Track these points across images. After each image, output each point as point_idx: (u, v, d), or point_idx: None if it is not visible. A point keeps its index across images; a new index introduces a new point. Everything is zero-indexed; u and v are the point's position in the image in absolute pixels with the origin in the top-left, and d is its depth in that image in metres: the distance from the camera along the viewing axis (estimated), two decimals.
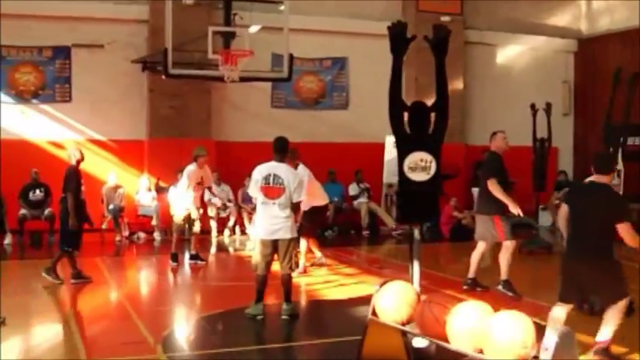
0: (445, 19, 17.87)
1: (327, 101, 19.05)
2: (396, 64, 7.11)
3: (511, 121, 19.23)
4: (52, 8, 15.98)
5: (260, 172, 8.81)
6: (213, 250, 15.50)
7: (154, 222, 16.21)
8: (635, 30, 19.58)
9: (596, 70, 21.02)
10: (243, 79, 14.02)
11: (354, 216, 17.98)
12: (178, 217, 12.80)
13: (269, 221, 8.71)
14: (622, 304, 6.50)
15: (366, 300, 9.97)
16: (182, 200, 12.71)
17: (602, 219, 6.54)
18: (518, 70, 21.01)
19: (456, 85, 18.90)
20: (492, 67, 20.59)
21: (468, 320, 4.43)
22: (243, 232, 16.93)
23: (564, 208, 6.93)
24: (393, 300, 5.27)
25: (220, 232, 16.78)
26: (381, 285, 5.46)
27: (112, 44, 16.72)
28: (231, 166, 17.14)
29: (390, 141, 18.55)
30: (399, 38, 7.07)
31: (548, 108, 15.21)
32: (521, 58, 21.15)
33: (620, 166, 11.88)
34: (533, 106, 15.37)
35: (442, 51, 7.27)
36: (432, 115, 7.44)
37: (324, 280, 11.56)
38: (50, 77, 16.49)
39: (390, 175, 18.58)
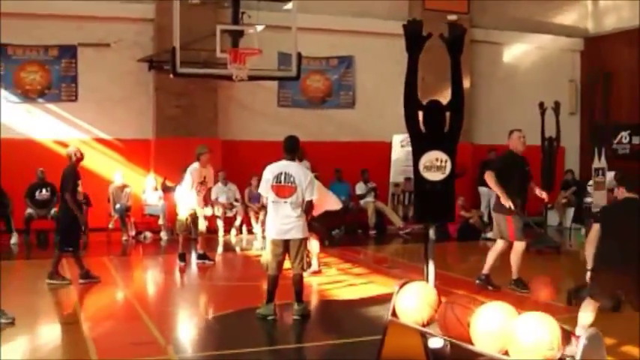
0: (452, 17, 17.77)
1: (333, 100, 19.00)
2: (411, 63, 7.04)
3: (518, 120, 19.03)
4: (58, 7, 15.94)
5: (271, 171, 8.75)
6: (220, 249, 15.44)
7: (160, 221, 16.15)
8: None
9: (602, 69, 20.96)
10: (251, 78, 13.95)
11: (361, 215, 17.91)
12: (182, 215, 12.74)
13: (280, 221, 8.64)
14: None
15: (377, 300, 10.04)
16: (186, 199, 12.64)
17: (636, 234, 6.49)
18: (525, 68, 20.97)
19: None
20: (499, 66, 20.55)
21: (493, 322, 4.37)
22: (249, 232, 16.91)
23: (595, 229, 6.79)
24: (415, 301, 5.20)
25: (227, 231, 16.73)
26: (401, 286, 5.39)
27: (118, 43, 16.68)
28: (238, 165, 17.10)
29: (397, 140, 18.55)
30: (414, 36, 7.00)
31: (556, 107, 15.16)
32: (528, 57, 21.11)
33: (603, 164, 11.82)
34: (541, 105, 15.31)
35: (457, 50, 7.22)
36: (447, 114, 7.38)
37: (334, 280, 11.48)
38: (56, 76, 16.45)
39: (396, 174, 18.59)
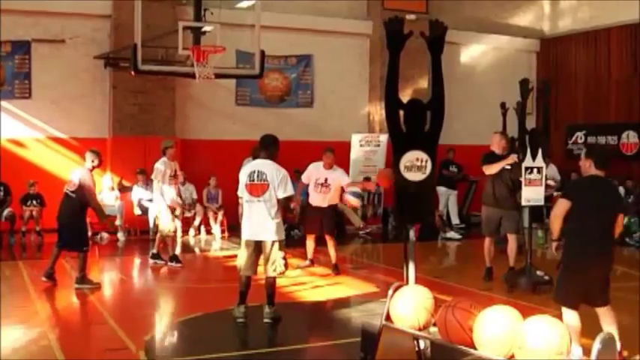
0: (410, 17, 17.76)
1: (292, 99, 18.86)
2: (392, 61, 6.95)
3: (476, 120, 19.38)
4: (11, 2, 15.43)
5: (245, 171, 8.62)
6: (178, 250, 15.15)
7: (117, 222, 15.81)
8: (597, 30, 19.82)
9: (558, 70, 21.19)
10: (217, 76, 13.72)
11: None
12: (167, 225, 12.42)
13: (253, 221, 8.47)
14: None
15: (348, 302, 10.00)
16: (167, 197, 12.32)
17: (608, 212, 6.56)
18: (482, 69, 21.11)
19: (421, 84, 18.88)
20: (456, 66, 20.58)
21: (498, 326, 4.27)
22: (208, 232, 16.66)
23: (563, 204, 6.68)
24: (411, 305, 5.06)
25: (185, 231, 16.43)
26: (395, 289, 5.26)
27: (73, 39, 16.32)
28: (196, 164, 16.87)
29: (355, 140, 18.42)
30: (396, 35, 6.90)
31: (518, 107, 15.16)
32: (485, 57, 21.25)
33: (539, 163, 12.16)
34: (503, 105, 15.32)
35: (438, 49, 7.13)
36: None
37: (299, 282, 11.32)
38: (9, 73, 16.00)
39: (355, 174, 18.42)
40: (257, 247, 8.50)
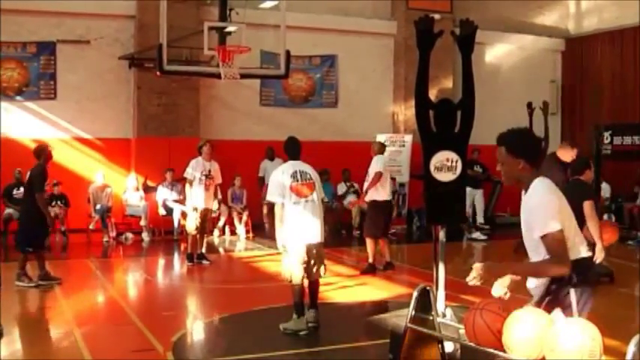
0: (435, 17, 17.63)
1: (316, 99, 18.82)
2: (422, 61, 6.88)
3: (501, 121, 19.04)
4: (37, 3, 15.57)
5: (284, 171, 8.19)
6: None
7: (142, 222, 15.82)
8: (623, 30, 19.65)
9: (583, 70, 21.03)
10: (242, 77, 13.68)
11: (345, 215, 17.72)
12: (190, 225, 12.48)
13: (304, 223, 8.09)
14: None
15: (374, 303, 9.90)
16: (194, 197, 12.37)
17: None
18: (507, 68, 20.97)
19: (445, 84, 18.76)
20: (481, 66, 20.39)
21: (529, 328, 4.18)
22: (232, 233, 16.64)
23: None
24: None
25: (210, 232, 16.42)
26: (420, 292, 5.17)
27: (98, 40, 16.35)
28: (220, 165, 16.73)
29: (380, 139, 18.30)
30: (426, 33, 6.83)
31: (545, 107, 15.07)
32: (510, 57, 21.09)
33: None
34: (529, 105, 15.21)
35: (468, 47, 7.06)
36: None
37: (326, 282, 11.16)
38: (34, 74, 16.04)
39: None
40: (309, 251, 8.15)
